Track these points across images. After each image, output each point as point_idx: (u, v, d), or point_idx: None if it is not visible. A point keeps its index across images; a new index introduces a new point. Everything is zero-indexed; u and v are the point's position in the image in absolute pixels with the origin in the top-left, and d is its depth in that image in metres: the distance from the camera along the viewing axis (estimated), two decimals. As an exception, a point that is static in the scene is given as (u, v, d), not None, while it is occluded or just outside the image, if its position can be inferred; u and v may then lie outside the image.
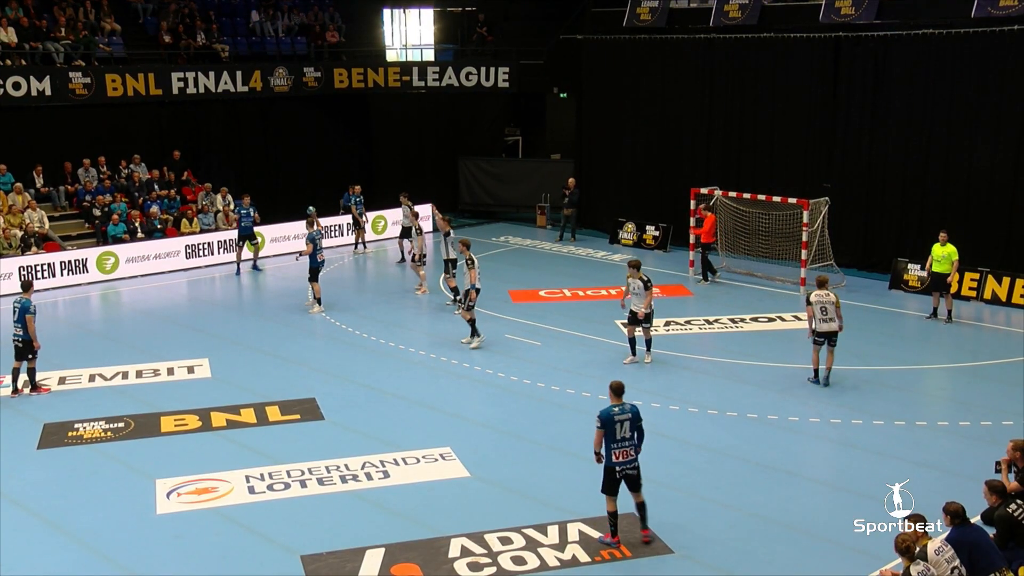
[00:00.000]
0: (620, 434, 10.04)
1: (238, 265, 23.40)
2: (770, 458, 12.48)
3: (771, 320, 19.15)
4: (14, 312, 14.83)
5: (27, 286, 15.24)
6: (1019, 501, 9.09)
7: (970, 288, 20.32)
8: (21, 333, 14.66)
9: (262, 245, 24.07)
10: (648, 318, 15.92)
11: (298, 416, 14.05)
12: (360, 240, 26.07)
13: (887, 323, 18.68)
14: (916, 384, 15.51)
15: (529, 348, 17.23)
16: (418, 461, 12.41)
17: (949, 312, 18.77)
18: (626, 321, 16.36)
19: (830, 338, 14.86)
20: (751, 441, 12.99)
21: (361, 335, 18.15)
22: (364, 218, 26.05)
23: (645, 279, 15.74)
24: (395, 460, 12.41)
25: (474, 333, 17.21)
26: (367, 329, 18.45)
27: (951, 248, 18.49)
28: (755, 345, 17.55)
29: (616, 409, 10.09)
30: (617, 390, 10.20)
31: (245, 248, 23.39)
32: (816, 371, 15.06)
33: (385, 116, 31.56)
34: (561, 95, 31.10)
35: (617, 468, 10.13)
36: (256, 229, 23.60)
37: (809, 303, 14.92)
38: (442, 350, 17.06)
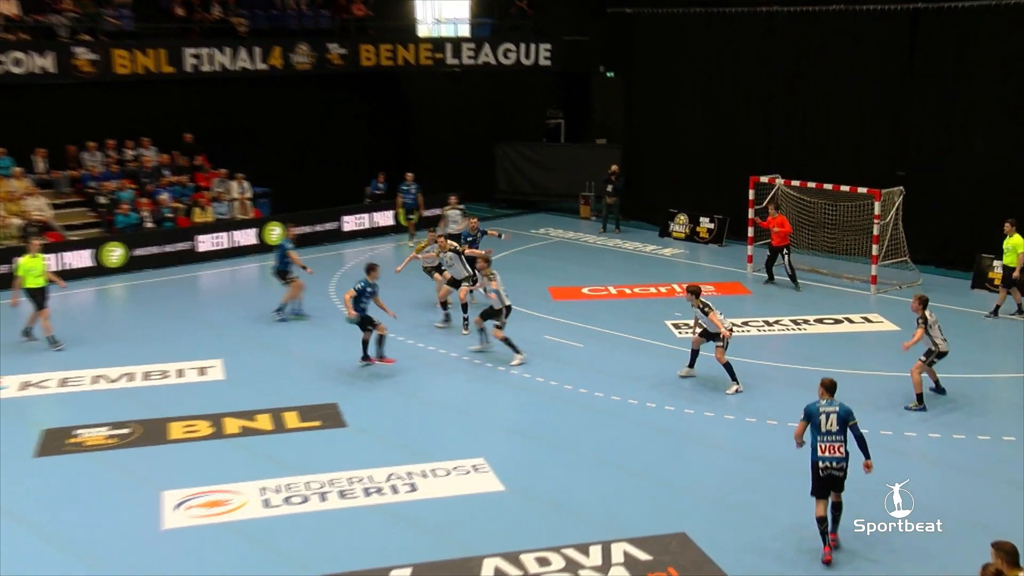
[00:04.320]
0: (826, 427, 10.34)
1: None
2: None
3: (838, 322, 18.90)
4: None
5: (370, 268, 16.62)
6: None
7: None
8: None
9: (416, 219, 25.78)
10: (718, 335, 15.21)
11: (319, 423, 14.07)
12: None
13: (969, 326, 18.31)
14: (1003, 395, 15.18)
15: (570, 350, 17.15)
16: (448, 473, 12.39)
17: (997, 308, 18.90)
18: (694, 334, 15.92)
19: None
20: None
21: (388, 335, 18.10)
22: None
23: (701, 305, 15.24)
24: (423, 472, 12.39)
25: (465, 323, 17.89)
26: (395, 328, 18.35)
27: (1018, 239, 18.55)
28: (820, 349, 17.33)
29: (823, 402, 10.49)
30: (829, 387, 10.60)
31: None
32: (921, 396, 14.52)
33: (417, 97, 31.56)
34: (608, 74, 30.94)
35: (822, 463, 10.34)
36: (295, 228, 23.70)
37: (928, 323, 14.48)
38: (475, 352, 17.01)
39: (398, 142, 31.33)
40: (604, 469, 12.61)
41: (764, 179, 22.84)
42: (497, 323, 16.39)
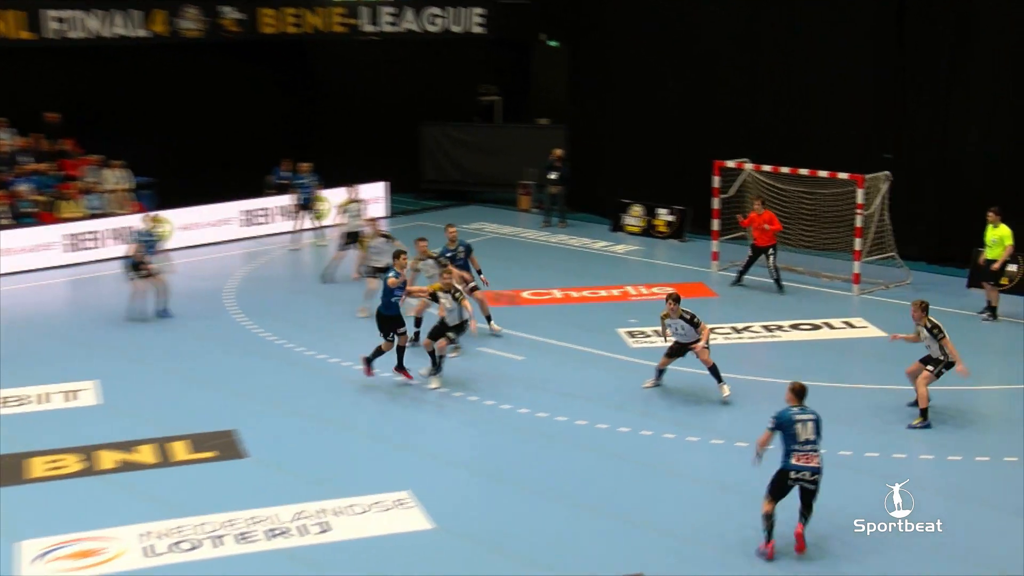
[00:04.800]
0: (804, 436, 10.99)
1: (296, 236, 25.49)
2: (820, 502, 12.31)
3: (816, 327, 19.12)
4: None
5: (396, 255, 16.53)
6: None
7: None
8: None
9: (325, 214, 26.00)
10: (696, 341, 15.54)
11: (213, 454, 13.94)
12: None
13: (965, 330, 18.55)
14: (1004, 409, 15.44)
15: (509, 364, 17.15)
16: (367, 510, 12.31)
17: (993, 308, 19.35)
18: (665, 352, 15.99)
19: None
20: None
21: (296, 349, 18.05)
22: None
23: (689, 316, 15.41)
24: (337, 509, 12.30)
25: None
26: (304, 342, 18.33)
27: (1004, 230, 19.16)
28: (796, 358, 17.51)
29: (795, 410, 11.14)
30: (799, 392, 11.24)
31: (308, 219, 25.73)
32: (927, 411, 14.75)
33: (329, 71, 31.40)
34: (551, 43, 31.02)
35: (793, 472, 10.98)
36: (161, 214, 23.48)
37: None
38: (425, 377, 16.73)
39: (306, 124, 31.10)
40: (548, 502, 12.58)
41: (731, 164, 23.04)
42: (451, 335, 16.30)
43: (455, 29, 29.61)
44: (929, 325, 14.61)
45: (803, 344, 18.33)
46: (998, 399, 15.76)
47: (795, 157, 23.01)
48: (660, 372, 16.05)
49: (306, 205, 25.83)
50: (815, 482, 11.02)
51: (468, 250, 18.93)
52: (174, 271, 20.23)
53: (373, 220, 20.73)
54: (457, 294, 16.32)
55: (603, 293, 21.41)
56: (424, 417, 15.34)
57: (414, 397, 15.90)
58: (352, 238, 22.20)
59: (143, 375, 16.92)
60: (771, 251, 21.29)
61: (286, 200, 26.47)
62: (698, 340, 15.44)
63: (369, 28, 29.54)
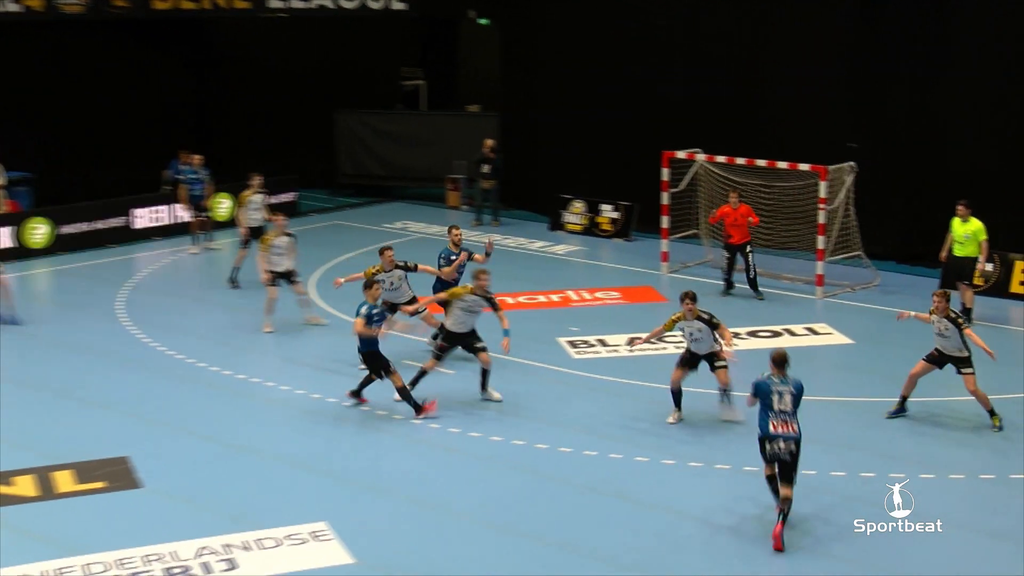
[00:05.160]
0: (779, 406, 12.02)
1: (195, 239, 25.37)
2: (801, 538, 12.38)
3: (776, 335, 19.34)
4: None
5: (368, 285, 15.89)
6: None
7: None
8: None
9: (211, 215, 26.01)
10: (715, 355, 15.40)
11: (103, 484, 13.82)
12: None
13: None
14: (981, 420, 15.70)
15: (438, 378, 17.09)
16: (279, 543, 12.27)
17: (968, 311, 19.54)
18: (676, 363, 15.70)
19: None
20: (770, 508, 12.85)
21: (197, 364, 17.98)
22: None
23: (707, 316, 15.15)
24: (245, 543, 12.24)
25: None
26: (206, 356, 18.28)
27: (976, 224, 19.43)
28: (754, 369, 17.42)
29: (775, 380, 12.12)
30: (779, 362, 12.19)
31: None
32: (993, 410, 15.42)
33: (231, 52, 31.23)
34: (480, 21, 31.10)
35: (771, 442, 11.99)
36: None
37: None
38: (312, 384, 16.89)
39: (206, 112, 30.90)
40: (482, 531, 12.61)
41: (681, 154, 23.22)
42: (479, 345, 16.27)
43: (373, 5, 29.56)
44: (953, 316, 15.11)
45: (762, 353, 18.29)
46: (975, 410, 16.04)
47: (752, 147, 23.24)
48: (678, 393, 15.50)
49: (198, 202, 25.61)
50: (791, 452, 11.94)
51: (469, 254, 18.87)
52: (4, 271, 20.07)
53: (277, 216, 20.41)
54: (492, 298, 16.24)
55: (541, 299, 21.55)
56: (343, 439, 15.29)
57: (331, 417, 15.87)
58: (256, 233, 22.05)
59: (19, 396, 16.70)
60: (749, 248, 21.41)
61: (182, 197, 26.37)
62: (719, 348, 15.39)
63: (276, 3, 29.40)
